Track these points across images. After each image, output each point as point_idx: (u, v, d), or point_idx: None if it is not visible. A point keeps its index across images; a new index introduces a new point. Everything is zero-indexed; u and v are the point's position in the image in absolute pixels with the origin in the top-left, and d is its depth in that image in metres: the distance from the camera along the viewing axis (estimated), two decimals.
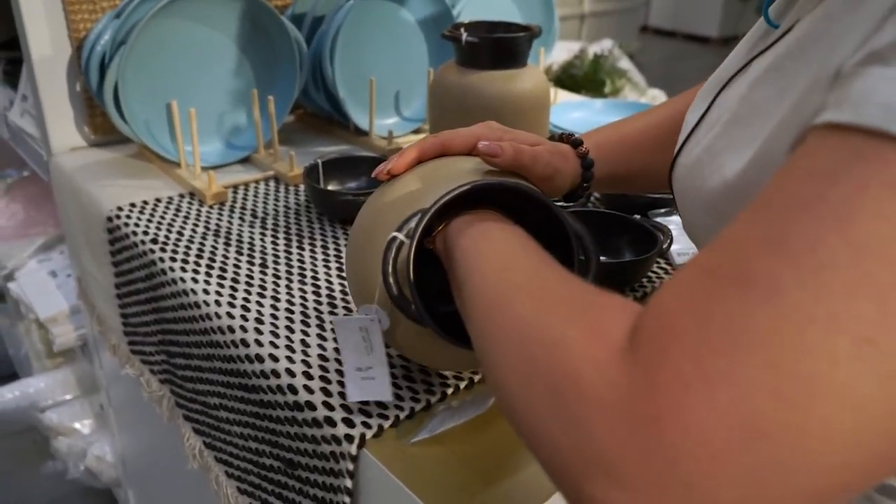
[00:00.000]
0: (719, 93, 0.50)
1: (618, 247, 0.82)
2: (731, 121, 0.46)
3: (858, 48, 0.33)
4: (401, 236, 0.52)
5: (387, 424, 0.59)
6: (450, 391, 0.64)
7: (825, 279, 0.28)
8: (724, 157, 0.44)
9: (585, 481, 0.31)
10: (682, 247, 0.85)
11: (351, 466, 0.58)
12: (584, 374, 0.32)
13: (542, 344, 0.35)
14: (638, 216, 0.86)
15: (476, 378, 0.65)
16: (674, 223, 0.90)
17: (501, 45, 1.01)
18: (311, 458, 0.63)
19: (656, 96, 2.30)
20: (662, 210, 0.92)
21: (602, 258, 0.81)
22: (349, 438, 0.58)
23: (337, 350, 0.68)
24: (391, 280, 0.52)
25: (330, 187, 0.97)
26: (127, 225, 0.92)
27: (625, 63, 2.35)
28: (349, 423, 0.59)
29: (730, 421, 0.28)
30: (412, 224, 0.52)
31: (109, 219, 0.95)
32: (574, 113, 1.30)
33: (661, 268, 0.85)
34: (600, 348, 0.32)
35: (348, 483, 0.59)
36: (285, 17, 1.10)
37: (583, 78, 2.06)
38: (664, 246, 0.78)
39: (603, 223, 0.83)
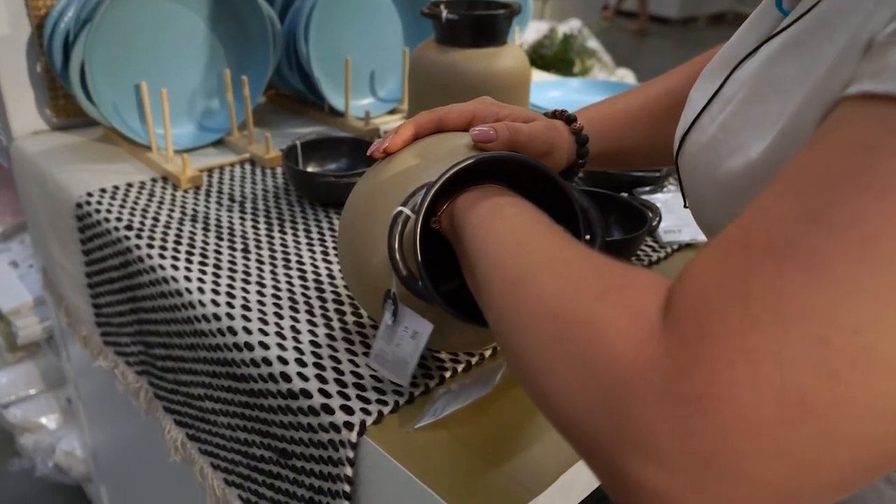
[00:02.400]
0: (733, 70, 0.49)
1: (606, 225, 0.82)
2: (748, 98, 0.45)
3: (893, 18, 0.32)
4: (406, 211, 0.51)
5: (386, 410, 0.58)
6: (448, 374, 0.62)
7: (871, 252, 0.27)
8: (744, 134, 0.44)
9: (624, 461, 0.30)
10: (668, 224, 0.85)
11: (351, 454, 0.57)
12: (620, 353, 0.31)
13: (574, 323, 0.34)
14: (624, 194, 0.86)
15: (473, 361, 0.64)
16: (659, 201, 0.90)
17: (482, 23, 0.99)
18: (307, 447, 0.61)
19: (625, 75, 2.31)
20: (647, 188, 0.92)
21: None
22: (348, 426, 0.56)
23: (330, 336, 0.66)
24: (398, 256, 0.50)
25: (309, 169, 0.94)
26: (98, 211, 0.88)
27: (593, 43, 2.35)
28: (348, 410, 0.58)
29: (775, 397, 0.27)
30: (417, 199, 0.51)
31: (79, 205, 0.91)
32: (551, 92, 1.29)
33: (649, 246, 0.84)
34: (636, 326, 0.31)
35: (348, 471, 0.57)
36: None
37: (552, 58, 2.05)
38: (654, 223, 0.78)
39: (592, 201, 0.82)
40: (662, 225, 0.84)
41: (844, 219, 0.28)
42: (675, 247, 0.84)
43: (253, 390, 0.66)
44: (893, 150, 0.28)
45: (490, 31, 1.00)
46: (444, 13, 0.97)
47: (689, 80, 0.69)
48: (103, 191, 0.92)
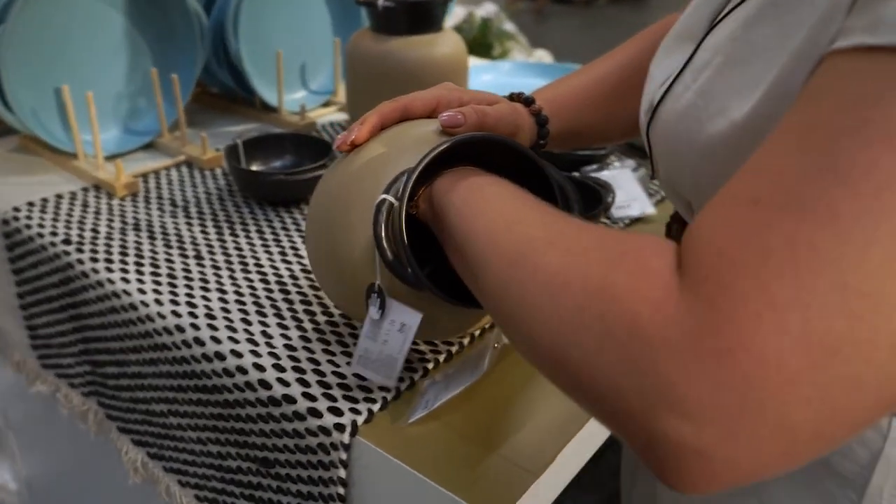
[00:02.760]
0: (703, 38, 0.50)
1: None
2: (727, 62, 0.46)
3: None
4: (390, 198, 0.50)
5: (376, 408, 0.57)
6: (430, 366, 0.62)
7: (884, 200, 0.29)
8: (726, 98, 0.45)
9: (655, 420, 0.31)
10: (619, 200, 0.87)
11: (344, 455, 0.56)
12: (641, 316, 0.32)
13: (587, 291, 0.34)
14: (576, 174, 0.87)
15: (454, 349, 0.64)
16: (605, 178, 0.92)
17: (419, 10, 0.98)
18: (293, 454, 0.60)
19: (543, 56, 2.34)
20: (595, 166, 0.94)
21: None
22: (339, 427, 0.55)
23: (304, 339, 0.64)
24: (385, 244, 0.49)
25: (254, 168, 0.91)
26: (29, 227, 0.82)
27: (509, 26, 2.37)
28: (336, 412, 0.56)
29: (803, 344, 0.28)
30: (399, 186, 0.50)
31: (5, 221, 0.84)
32: (484, 76, 1.29)
33: (602, 222, 0.86)
34: (652, 289, 0.32)
35: (342, 473, 0.56)
36: None
37: (472, 42, 2.06)
38: (610, 200, 0.79)
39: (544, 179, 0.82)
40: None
41: (854, 170, 0.29)
42: (627, 221, 0.87)
43: (227, 401, 0.63)
44: (893, 100, 0.29)
45: (426, 18, 1.00)
46: (381, 1, 0.96)
47: (638, 55, 0.71)
48: (31, 204, 0.86)
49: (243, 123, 1.15)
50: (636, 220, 0.87)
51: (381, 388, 0.59)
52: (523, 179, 0.54)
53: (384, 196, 0.50)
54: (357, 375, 0.60)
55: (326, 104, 1.22)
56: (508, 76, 1.31)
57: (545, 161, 0.55)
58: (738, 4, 0.48)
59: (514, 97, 0.67)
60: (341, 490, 0.57)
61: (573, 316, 0.35)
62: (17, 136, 1.04)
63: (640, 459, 0.34)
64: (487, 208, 0.46)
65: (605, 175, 0.93)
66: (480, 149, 0.54)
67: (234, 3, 1.03)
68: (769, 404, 0.29)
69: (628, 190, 0.87)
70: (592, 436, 0.59)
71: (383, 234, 0.49)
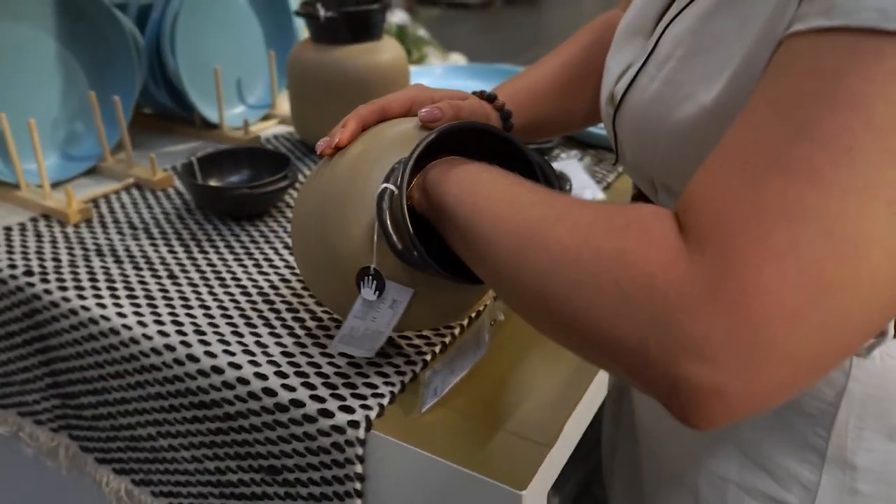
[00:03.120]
0: (663, 33, 0.55)
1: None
2: (689, 54, 0.51)
3: None
4: (392, 187, 0.52)
5: (385, 402, 0.59)
6: (428, 358, 0.64)
7: (854, 157, 0.34)
8: (693, 86, 0.50)
9: (676, 367, 0.35)
10: (573, 189, 0.92)
11: (360, 451, 0.57)
12: (655, 276, 0.36)
13: (599, 260, 0.38)
14: None
15: (447, 340, 0.67)
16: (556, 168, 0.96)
17: (360, 19, 1.01)
18: (303, 457, 0.61)
19: (457, 59, 2.39)
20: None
21: None
22: (354, 424, 0.57)
23: (299, 344, 0.66)
24: (392, 231, 0.52)
25: (212, 184, 0.91)
26: None
27: (422, 32, 2.41)
28: (348, 410, 0.58)
29: (800, 285, 0.33)
30: (397, 175, 0.53)
31: None
32: (419, 80, 1.32)
33: None
34: (661, 251, 0.36)
35: (358, 468, 0.58)
36: None
37: None
38: (568, 189, 0.84)
39: None
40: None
41: (827, 132, 0.34)
42: None
43: (228, 413, 0.64)
44: (857, 71, 0.35)
45: (366, 27, 1.02)
46: (322, 12, 0.97)
47: (584, 50, 0.76)
48: None
49: (185, 142, 1.13)
50: None
51: (385, 381, 0.61)
52: (503, 165, 0.57)
53: (385, 185, 0.53)
54: (360, 371, 0.61)
55: (266, 118, 1.22)
56: (441, 79, 1.35)
57: (525, 145, 0.58)
58: (691, 2, 0.53)
59: (476, 95, 0.71)
60: (358, 485, 0.59)
61: (589, 284, 0.38)
62: None
63: (663, 405, 0.38)
64: (486, 192, 0.49)
65: (554, 166, 0.98)
66: (459, 138, 0.58)
67: (170, 21, 1.02)
68: (775, 341, 0.33)
69: (579, 178, 0.93)
70: (590, 403, 0.63)
71: (388, 221, 0.52)
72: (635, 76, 0.56)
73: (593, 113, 0.77)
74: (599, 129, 1.07)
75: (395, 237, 0.52)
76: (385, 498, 0.60)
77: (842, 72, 0.35)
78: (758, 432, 0.60)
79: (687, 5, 0.54)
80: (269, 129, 1.18)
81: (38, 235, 0.84)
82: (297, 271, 0.77)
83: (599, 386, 0.65)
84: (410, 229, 0.52)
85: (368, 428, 0.57)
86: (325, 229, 0.58)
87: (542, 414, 0.59)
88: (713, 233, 0.35)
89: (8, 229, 0.85)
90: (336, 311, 0.66)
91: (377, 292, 0.55)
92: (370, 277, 0.55)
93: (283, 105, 1.24)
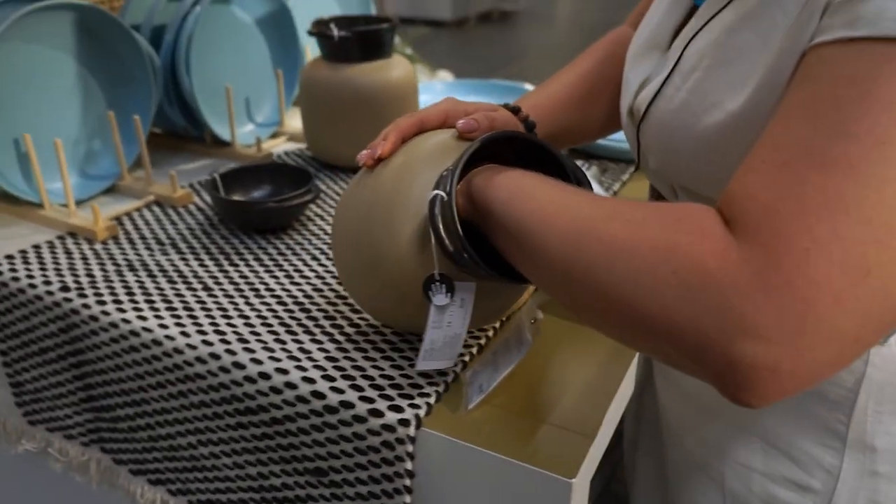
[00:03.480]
0: (686, 46, 0.59)
1: None
2: (714, 65, 0.55)
3: None
4: (442, 193, 0.55)
5: (433, 401, 0.62)
6: (467, 358, 0.67)
7: (887, 151, 0.38)
8: (718, 94, 0.54)
9: (732, 348, 0.39)
10: None
11: (411, 448, 0.60)
12: (710, 266, 0.40)
13: (656, 253, 0.42)
14: None
15: (482, 342, 0.70)
16: None
17: (371, 38, 1.04)
18: (350, 457, 0.63)
19: (445, 76, 2.44)
20: None
21: None
22: (404, 423, 0.60)
23: (341, 349, 0.68)
24: (443, 235, 0.55)
25: (236, 199, 0.93)
26: (17, 279, 0.80)
27: (408, 50, 2.46)
28: (398, 409, 0.61)
29: (844, 269, 0.37)
30: (445, 183, 0.56)
31: None
32: (422, 96, 1.36)
33: None
34: (713, 243, 0.40)
35: (409, 465, 0.60)
36: None
37: None
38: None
39: None
40: None
41: (861, 130, 0.39)
42: None
43: (275, 418, 0.66)
44: (884, 75, 0.39)
45: (378, 45, 1.05)
46: (336, 31, 1.01)
47: (598, 64, 0.81)
48: (10, 257, 0.84)
49: (197, 160, 1.15)
50: None
51: (429, 381, 0.63)
52: (538, 172, 0.61)
53: (436, 192, 0.56)
54: (403, 372, 0.64)
55: (275, 135, 1.25)
56: (442, 95, 1.38)
57: (559, 151, 0.62)
58: (713, 17, 0.58)
59: (503, 107, 0.75)
60: (408, 482, 0.61)
61: (648, 275, 0.42)
62: None
63: (717, 385, 0.41)
64: (534, 196, 0.53)
65: None
66: (495, 148, 0.61)
67: (185, 42, 1.04)
68: (822, 319, 0.37)
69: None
70: (622, 398, 0.66)
71: (441, 227, 0.55)
72: (660, 87, 0.60)
73: (609, 123, 0.81)
74: (605, 141, 1.11)
75: (447, 241, 0.55)
76: (432, 493, 0.62)
77: (869, 77, 0.40)
78: (781, 421, 0.63)
79: (709, 21, 0.58)
80: (279, 146, 1.21)
81: (68, 252, 0.86)
82: (330, 281, 0.80)
83: (629, 382, 0.69)
84: (461, 233, 0.55)
85: (419, 426, 0.60)
86: (371, 236, 0.61)
87: (582, 407, 0.62)
88: (761, 225, 0.39)
89: (37, 247, 0.87)
90: (375, 315, 0.68)
91: (448, 294, 0.58)
92: (438, 283, 0.58)
93: (291, 122, 1.27)
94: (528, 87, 1.37)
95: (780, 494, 0.64)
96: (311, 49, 1.28)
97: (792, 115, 0.42)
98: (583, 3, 8.87)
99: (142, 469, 0.81)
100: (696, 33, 0.59)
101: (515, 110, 0.74)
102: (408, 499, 0.62)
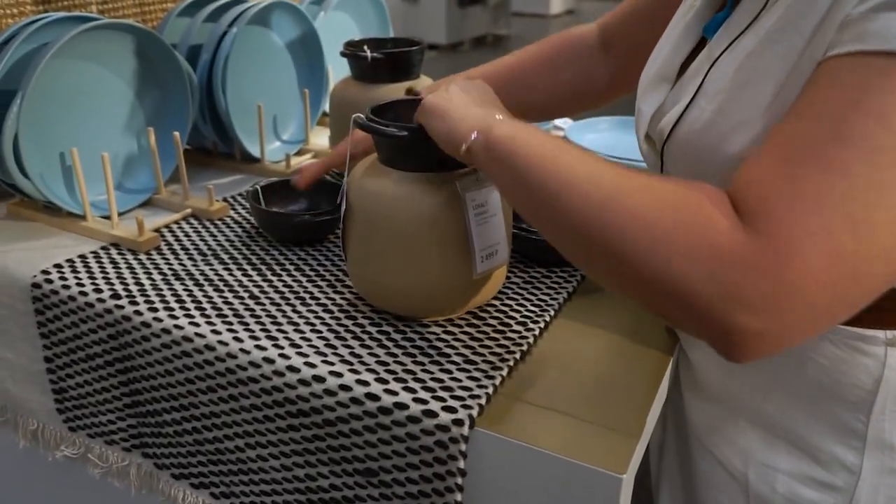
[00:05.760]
0: (709, 71, 0.63)
1: None
2: (736, 87, 0.59)
3: (859, 2, 0.49)
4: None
5: (483, 402, 0.65)
6: (511, 363, 0.70)
7: (878, 157, 0.45)
8: (742, 113, 0.58)
9: (731, 315, 0.46)
10: None
11: (464, 447, 0.63)
12: (719, 243, 0.47)
13: (675, 224, 0.49)
14: None
15: (524, 348, 0.73)
16: None
17: (402, 59, 1.08)
18: (402, 457, 0.66)
19: None
20: None
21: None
22: (458, 422, 0.63)
23: (391, 354, 0.71)
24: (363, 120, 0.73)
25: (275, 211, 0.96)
26: (67, 287, 0.83)
27: None
28: (451, 410, 0.64)
29: (829, 255, 0.45)
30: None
31: (35, 285, 0.85)
32: None
33: None
34: (723, 222, 0.48)
35: (461, 464, 0.63)
36: None
37: None
38: None
39: None
40: None
41: (857, 134, 0.45)
42: None
43: (328, 420, 0.69)
44: (884, 86, 0.45)
45: (407, 67, 1.10)
46: (369, 53, 1.05)
47: (529, 60, 0.95)
48: (59, 266, 0.87)
49: (227, 175, 1.18)
50: None
51: (479, 384, 0.66)
52: None
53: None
54: (453, 376, 0.67)
55: (299, 152, 1.28)
56: None
57: None
58: (732, 42, 0.62)
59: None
60: (459, 480, 0.64)
61: (664, 244, 0.49)
62: (4, 203, 1.03)
63: (710, 344, 0.50)
64: (568, 161, 0.56)
65: None
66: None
67: (222, 62, 1.08)
68: (807, 300, 0.46)
69: None
70: (659, 401, 0.69)
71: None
72: (684, 111, 0.65)
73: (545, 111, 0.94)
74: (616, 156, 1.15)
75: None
76: (483, 491, 0.65)
77: (870, 87, 0.46)
78: (805, 423, 0.67)
79: (728, 46, 0.62)
80: (305, 163, 1.24)
81: (114, 262, 0.88)
82: None
83: (665, 384, 0.72)
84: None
85: (472, 426, 0.63)
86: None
87: (626, 407, 0.65)
88: (764, 213, 0.47)
89: (83, 257, 0.89)
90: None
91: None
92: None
93: (315, 140, 1.31)
94: None
95: (805, 493, 0.68)
96: (333, 69, 1.32)
97: (798, 116, 0.49)
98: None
99: (184, 473, 0.83)
100: (717, 59, 0.63)
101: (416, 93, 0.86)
102: (459, 496, 0.65)
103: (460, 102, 0.67)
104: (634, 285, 0.52)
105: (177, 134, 1.01)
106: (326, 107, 1.31)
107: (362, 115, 0.73)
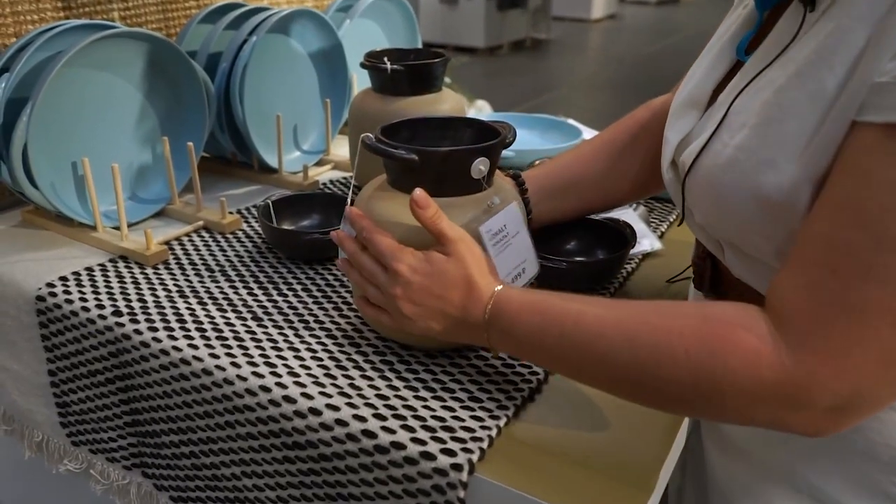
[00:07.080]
0: (733, 101, 0.58)
1: (588, 246, 0.90)
2: (762, 123, 0.54)
3: (894, 58, 0.45)
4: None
5: (485, 446, 0.61)
6: (518, 401, 0.66)
7: None
8: (768, 151, 0.54)
9: (806, 428, 0.52)
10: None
11: (462, 494, 0.59)
12: (769, 380, 0.50)
13: (724, 373, 0.51)
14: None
15: (533, 385, 0.69)
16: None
17: (424, 71, 1.04)
18: (399, 499, 0.62)
19: (483, 106, 2.45)
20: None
21: (584, 258, 0.88)
22: (457, 467, 0.59)
23: (392, 387, 0.68)
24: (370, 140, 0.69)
25: (284, 227, 0.94)
26: (70, 301, 0.81)
27: (447, 79, 2.47)
28: (450, 453, 0.60)
29: (881, 362, 0.48)
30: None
31: (40, 298, 0.83)
32: None
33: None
34: (765, 351, 0.50)
35: None
36: None
37: None
38: (633, 238, 0.87)
39: (568, 225, 0.89)
40: None
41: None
42: (640, 256, 0.95)
43: (323, 454, 0.65)
44: None
45: (430, 78, 1.06)
46: (389, 64, 1.02)
47: (624, 133, 0.84)
48: (63, 279, 0.85)
49: (244, 186, 1.17)
50: (647, 255, 0.96)
51: (482, 425, 0.62)
52: None
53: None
54: (455, 415, 0.63)
55: (320, 163, 1.26)
56: None
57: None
58: (759, 74, 0.57)
59: (511, 176, 0.82)
60: None
61: (717, 405, 0.53)
62: (18, 210, 1.02)
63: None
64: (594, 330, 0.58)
65: (613, 215, 1.01)
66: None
67: (240, 71, 1.06)
68: (864, 400, 0.50)
69: (637, 228, 0.95)
70: (675, 452, 0.65)
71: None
72: (706, 142, 0.60)
73: (640, 188, 0.85)
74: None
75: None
76: None
77: None
78: (833, 480, 0.62)
79: (755, 77, 0.57)
80: (325, 174, 1.22)
81: (120, 276, 0.87)
82: None
83: (682, 435, 0.67)
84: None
85: (471, 471, 0.59)
86: None
87: (638, 458, 0.61)
88: (810, 330, 0.49)
89: (89, 270, 0.88)
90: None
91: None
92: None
93: (336, 150, 1.28)
94: (572, 122, 1.37)
95: None
96: (358, 79, 1.29)
97: (841, 212, 0.48)
98: (614, 34, 8.90)
99: (182, 497, 0.81)
100: (742, 89, 0.58)
101: (520, 182, 0.81)
102: None
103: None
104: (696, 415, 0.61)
105: (190, 144, 0.99)
106: None
107: (371, 136, 0.70)
